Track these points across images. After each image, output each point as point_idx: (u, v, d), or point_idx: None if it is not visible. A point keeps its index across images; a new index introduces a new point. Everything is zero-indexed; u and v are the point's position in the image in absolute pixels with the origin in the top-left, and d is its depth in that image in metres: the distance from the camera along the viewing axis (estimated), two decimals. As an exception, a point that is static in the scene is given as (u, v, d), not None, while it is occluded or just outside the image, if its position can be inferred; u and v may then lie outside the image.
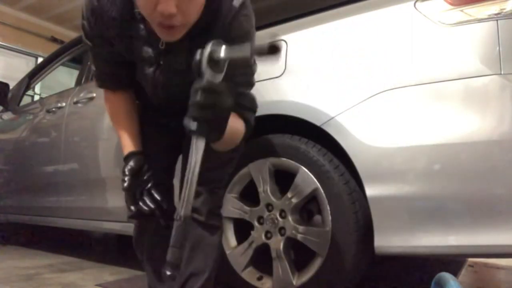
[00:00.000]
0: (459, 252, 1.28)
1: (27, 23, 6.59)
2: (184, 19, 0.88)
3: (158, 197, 1.05)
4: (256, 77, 1.58)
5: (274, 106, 1.47)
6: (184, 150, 1.23)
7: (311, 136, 1.41)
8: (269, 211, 1.47)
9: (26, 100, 3.77)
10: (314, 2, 1.57)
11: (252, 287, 1.49)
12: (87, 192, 2.20)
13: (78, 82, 2.60)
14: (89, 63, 2.48)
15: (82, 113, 2.33)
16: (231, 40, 0.86)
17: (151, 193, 1.05)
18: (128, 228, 1.90)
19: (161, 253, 1.22)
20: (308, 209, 1.48)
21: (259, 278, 1.50)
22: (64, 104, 2.47)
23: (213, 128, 0.82)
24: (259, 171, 1.50)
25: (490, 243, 1.11)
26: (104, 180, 2.10)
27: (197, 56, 0.79)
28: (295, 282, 1.39)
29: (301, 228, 1.39)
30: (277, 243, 1.43)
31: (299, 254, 1.45)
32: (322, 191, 1.35)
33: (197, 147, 0.79)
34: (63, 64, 3.06)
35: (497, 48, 1.12)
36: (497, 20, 1.14)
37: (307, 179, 1.38)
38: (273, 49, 0.74)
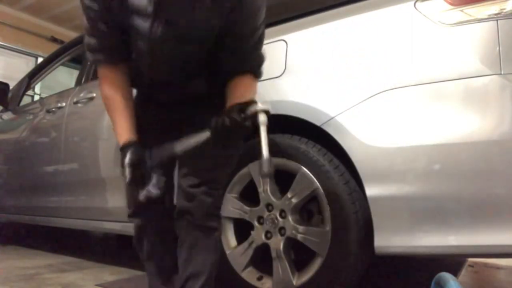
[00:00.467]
0: (459, 252, 1.28)
1: (27, 23, 6.59)
2: None
3: (163, 182, 1.03)
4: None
5: (274, 106, 1.45)
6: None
7: (311, 136, 1.41)
8: (269, 211, 1.46)
9: (26, 100, 3.77)
10: (314, 2, 1.57)
11: (252, 287, 1.49)
12: (87, 192, 2.20)
13: (78, 82, 2.59)
14: (88, 61, 2.48)
15: (82, 113, 2.33)
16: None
17: (156, 178, 1.03)
18: (128, 228, 1.90)
19: (162, 253, 1.22)
20: (308, 209, 1.47)
21: (259, 278, 1.50)
22: (64, 104, 2.47)
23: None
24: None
25: (490, 243, 1.11)
26: (104, 180, 2.10)
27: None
28: (295, 282, 1.39)
29: (301, 228, 1.39)
30: (277, 243, 1.43)
31: (299, 254, 1.45)
32: (322, 191, 1.35)
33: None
34: (63, 64, 3.06)
35: (497, 48, 1.12)
36: (497, 20, 1.14)
37: (307, 179, 1.38)
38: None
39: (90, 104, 2.26)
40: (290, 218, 1.42)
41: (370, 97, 1.27)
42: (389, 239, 1.22)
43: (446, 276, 0.96)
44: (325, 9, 1.50)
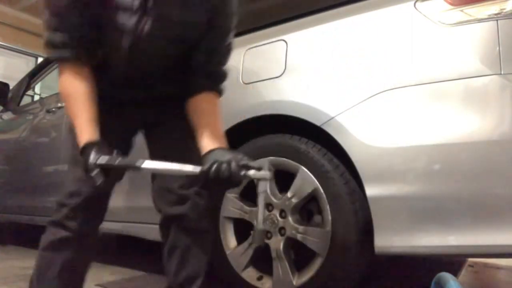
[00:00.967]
0: (459, 252, 1.28)
1: (27, 23, 6.59)
2: None
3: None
4: (256, 77, 1.58)
5: (274, 106, 1.47)
6: (155, 138, 1.18)
7: (311, 136, 1.41)
8: (269, 211, 1.46)
9: (26, 100, 3.77)
10: (314, 2, 1.57)
11: (252, 287, 1.49)
12: (87, 192, 2.19)
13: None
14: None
15: (82, 113, 2.32)
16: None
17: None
18: (129, 228, 1.90)
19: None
20: (308, 209, 1.47)
21: (259, 278, 1.50)
22: (64, 104, 2.47)
23: None
24: (259, 171, 1.49)
25: (490, 243, 1.11)
26: (104, 180, 2.09)
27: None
28: (295, 282, 1.39)
29: (301, 228, 1.39)
30: (277, 243, 1.43)
31: (299, 254, 1.45)
32: (322, 191, 1.35)
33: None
34: (63, 64, 3.05)
35: (497, 48, 1.12)
36: (497, 20, 1.14)
37: (307, 179, 1.38)
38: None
39: (90, 104, 2.26)
40: (290, 218, 1.42)
41: (370, 97, 1.27)
42: (389, 239, 1.22)
43: (446, 276, 0.96)
44: (325, 9, 1.50)
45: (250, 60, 1.59)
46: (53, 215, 1.10)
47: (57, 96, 2.65)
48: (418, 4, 1.25)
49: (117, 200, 1.97)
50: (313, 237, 1.36)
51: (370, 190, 1.24)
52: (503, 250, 1.12)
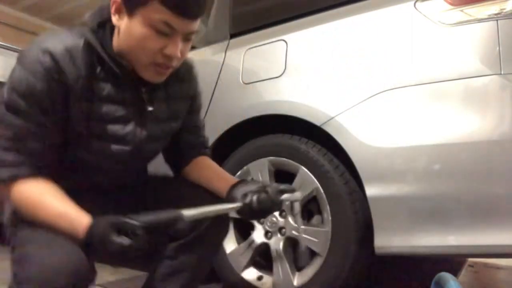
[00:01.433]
0: (459, 252, 1.28)
1: (27, 23, 6.59)
2: (178, 62, 0.90)
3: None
4: (256, 77, 1.58)
5: (274, 106, 1.47)
6: None
7: (311, 136, 1.41)
8: (269, 211, 1.46)
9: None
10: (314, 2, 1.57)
11: (252, 287, 1.49)
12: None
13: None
14: None
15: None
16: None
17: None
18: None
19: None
20: (308, 209, 1.47)
21: (259, 278, 1.50)
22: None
23: None
24: (259, 171, 1.49)
25: (490, 243, 1.11)
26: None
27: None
28: (295, 282, 1.39)
29: (301, 228, 1.39)
30: (277, 243, 1.43)
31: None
32: (322, 191, 1.35)
33: None
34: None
35: (497, 48, 1.12)
36: (497, 20, 1.14)
37: (307, 179, 1.38)
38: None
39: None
40: (290, 218, 1.42)
41: (370, 97, 1.27)
42: (389, 239, 1.22)
43: (446, 276, 0.96)
44: (325, 9, 1.50)
45: (250, 60, 1.59)
46: None
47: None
48: (418, 4, 1.25)
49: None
50: (313, 237, 1.36)
51: (370, 190, 1.24)
52: (503, 250, 1.12)
